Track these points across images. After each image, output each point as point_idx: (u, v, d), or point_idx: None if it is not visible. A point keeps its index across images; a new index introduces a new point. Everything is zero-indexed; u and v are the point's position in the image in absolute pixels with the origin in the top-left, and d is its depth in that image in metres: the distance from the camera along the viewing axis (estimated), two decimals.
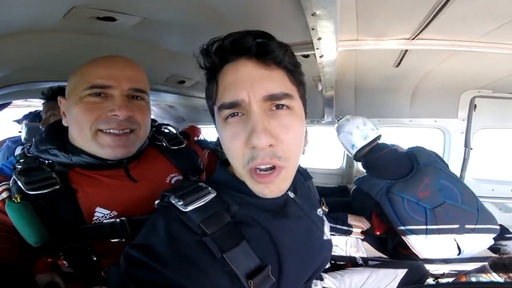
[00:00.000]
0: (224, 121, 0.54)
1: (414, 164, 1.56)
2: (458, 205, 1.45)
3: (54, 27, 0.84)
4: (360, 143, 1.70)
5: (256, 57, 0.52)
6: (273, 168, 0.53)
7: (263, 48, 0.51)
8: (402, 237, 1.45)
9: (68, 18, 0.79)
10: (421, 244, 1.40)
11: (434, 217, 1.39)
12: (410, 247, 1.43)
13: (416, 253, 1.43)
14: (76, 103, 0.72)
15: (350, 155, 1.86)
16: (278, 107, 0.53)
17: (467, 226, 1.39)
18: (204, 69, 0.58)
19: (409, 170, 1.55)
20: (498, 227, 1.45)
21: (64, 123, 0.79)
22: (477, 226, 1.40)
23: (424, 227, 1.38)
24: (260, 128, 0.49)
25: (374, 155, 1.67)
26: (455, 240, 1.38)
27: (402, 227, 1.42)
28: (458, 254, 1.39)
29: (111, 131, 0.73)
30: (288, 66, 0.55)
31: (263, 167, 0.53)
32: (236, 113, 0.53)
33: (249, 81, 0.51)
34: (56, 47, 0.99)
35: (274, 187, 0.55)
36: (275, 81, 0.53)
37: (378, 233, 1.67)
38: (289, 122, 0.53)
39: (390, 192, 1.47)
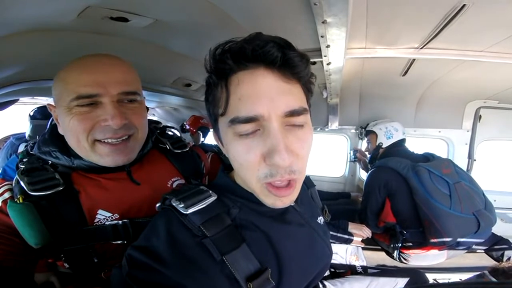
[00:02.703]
0: (238, 135, 0.51)
1: (430, 158, 1.78)
2: (471, 186, 1.64)
3: (67, 26, 0.84)
4: (398, 136, 1.97)
5: (278, 69, 0.48)
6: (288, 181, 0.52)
7: (288, 60, 0.48)
8: (427, 213, 1.54)
9: (82, 17, 0.79)
10: (446, 217, 1.50)
11: (455, 190, 1.55)
12: (434, 222, 1.51)
13: (439, 228, 1.50)
14: (66, 113, 0.68)
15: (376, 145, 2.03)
16: (295, 122, 0.50)
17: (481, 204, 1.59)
18: (209, 72, 0.53)
19: (427, 160, 1.75)
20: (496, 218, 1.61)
21: (60, 131, 0.75)
22: (487, 209, 1.58)
23: (449, 198, 1.53)
24: (283, 148, 0.47)
25: (397, 147, 1.95)
26: (474, 215, 1.50)
27: (429, 198, 1.54)
28: (476, 232, 1.49)
29: (108, 140, 0.70)
30: (305, 79, 0.53)
31: (279, 183, 0.52)
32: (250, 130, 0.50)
33: (269, 95, 0.47)
34: (67, 46, 0.99)
35: (286, 199, 0.54)
36: (295, 95, 0.50)
37: (388, 221, 1.74)
38: (305, 136, 0.52)
39: (416, 166, 1.63)
